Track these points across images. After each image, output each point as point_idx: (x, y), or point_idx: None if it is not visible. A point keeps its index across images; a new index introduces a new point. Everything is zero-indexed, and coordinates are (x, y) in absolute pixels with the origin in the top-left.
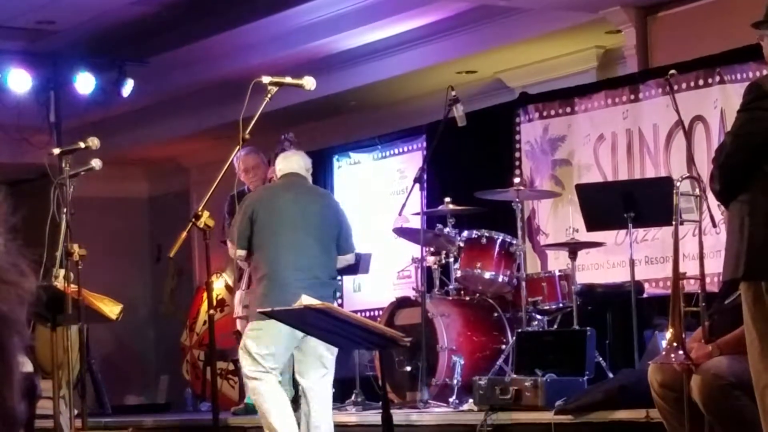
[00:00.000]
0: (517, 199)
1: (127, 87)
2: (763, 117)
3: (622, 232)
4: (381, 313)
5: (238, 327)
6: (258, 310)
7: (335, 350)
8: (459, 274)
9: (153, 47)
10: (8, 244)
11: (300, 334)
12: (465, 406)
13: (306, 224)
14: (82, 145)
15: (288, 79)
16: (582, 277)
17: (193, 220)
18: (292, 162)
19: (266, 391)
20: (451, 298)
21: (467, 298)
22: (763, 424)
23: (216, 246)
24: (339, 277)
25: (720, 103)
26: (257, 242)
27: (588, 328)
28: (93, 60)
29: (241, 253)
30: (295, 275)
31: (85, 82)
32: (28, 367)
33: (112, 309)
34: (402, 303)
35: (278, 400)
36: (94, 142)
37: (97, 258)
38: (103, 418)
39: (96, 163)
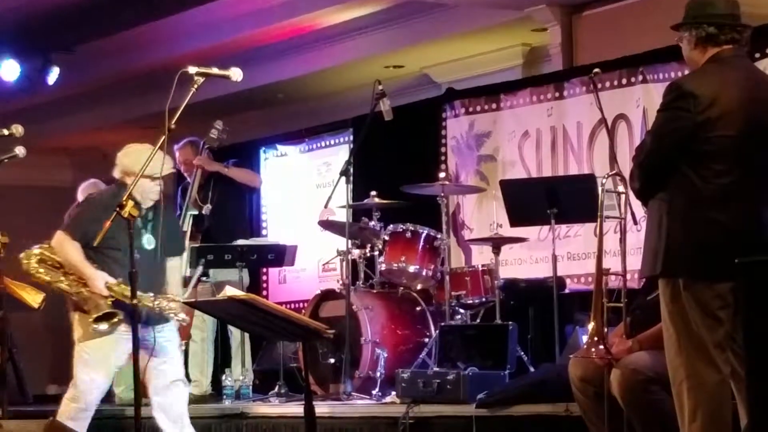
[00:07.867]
0: (442, 194)
1: (53, 75)
2: (682, 117)
3: (545, 228)
4: (306, 305)
5: None
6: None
7: None
8: (384, 267)
9: (79, 36)
10: None
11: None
12: (388, 399)
13: None
14: (5, 132)
15: (214, 70)
16: (505, 272)
17: (118, 209)
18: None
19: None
20: (375, 291)
21: (391, 292)
22: (679, 418)
23: None
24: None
25: (642, 102)
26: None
27: (510, 322)
28: (18, 47)
29: None
30: None
31: (9, 70)
32: None
33: (34, 297)
34: (327, 295)
35: None
36: (18, 129)
37: (20, 246)
38: (24, 407)
39: (20, 150)
